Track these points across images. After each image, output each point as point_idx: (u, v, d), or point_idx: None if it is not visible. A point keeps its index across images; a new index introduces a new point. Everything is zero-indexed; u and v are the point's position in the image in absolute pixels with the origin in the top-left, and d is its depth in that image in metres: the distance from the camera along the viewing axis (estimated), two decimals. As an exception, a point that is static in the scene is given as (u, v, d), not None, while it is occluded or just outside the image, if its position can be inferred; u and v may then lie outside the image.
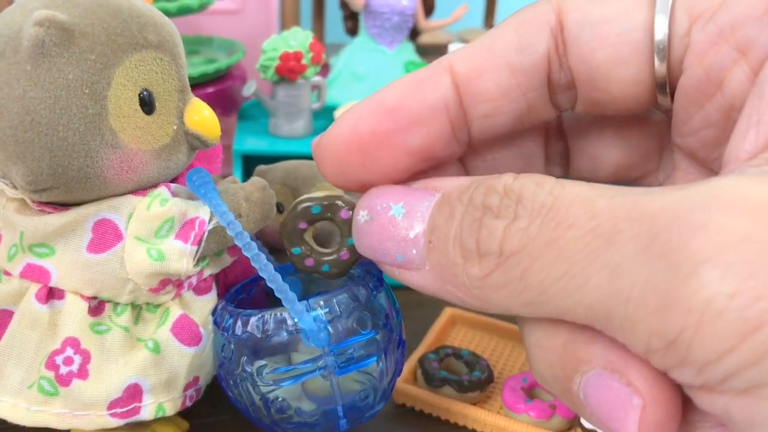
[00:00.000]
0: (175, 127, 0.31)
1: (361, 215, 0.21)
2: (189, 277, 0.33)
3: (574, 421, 0.38)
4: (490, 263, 0.17)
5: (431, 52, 0.70)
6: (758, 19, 0.17)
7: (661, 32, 0.19)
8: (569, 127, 0.24)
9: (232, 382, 0.31)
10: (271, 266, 0.30)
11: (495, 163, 0.24)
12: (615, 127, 0.23)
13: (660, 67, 0.19)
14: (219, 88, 0.56)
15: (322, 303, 0.29)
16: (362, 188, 0.22)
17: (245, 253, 0.30)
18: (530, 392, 0.39)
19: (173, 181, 0.33)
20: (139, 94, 0.30)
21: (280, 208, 0.40)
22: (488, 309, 0.18)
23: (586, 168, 0.24)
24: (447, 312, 0.46)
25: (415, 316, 0.48)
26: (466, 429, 0.38)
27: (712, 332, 0.14)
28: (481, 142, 0.23)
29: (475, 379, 0.39)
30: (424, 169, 0.23)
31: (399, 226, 0.20)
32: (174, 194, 0.32)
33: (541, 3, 0.21)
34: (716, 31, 0.18)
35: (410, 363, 0.41)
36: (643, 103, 0.20)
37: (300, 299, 0.30)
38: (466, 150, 0.23)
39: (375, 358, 0.30)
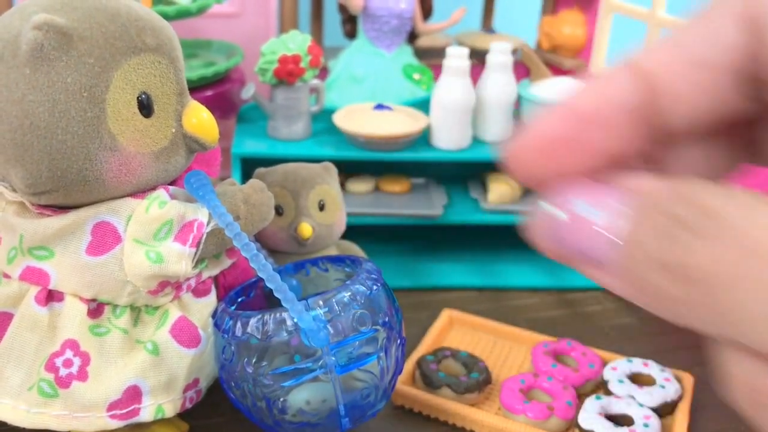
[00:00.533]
0: (174, 130, 0.32)
1: (557, 213, 0.21)
2: (188, 279, 0.33)
3: (572, 422, 0.38)
4: (685, 281, 0.18)
5: (429, 55, 0.70)
6: None
7: None
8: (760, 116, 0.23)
9: (233, 384, 0.31)
10: (270, 267, 0.30)
11: (678, 155, 0.24)
12: None
13: None
14: (218, 91, 0.56)
15: (321, 302, 0.30)
16: (548, 187, 0.23)
17: (244, 254, 0.30)
18: (528, 393, 0.39)
19: (172, 183, 0.33)
20: (138, 98, 0.30)
21: (279, 211, 0.40)
22: (672, 320, 0.18)
23: None
24: (445, 314, 0.46)
25: (413, 317, 0.48)
26: (464, 430, 0.38)
27: None
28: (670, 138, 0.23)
29: (473, 381, 0.39)
30: (612, 167, 0.23)
31: (594, 227, 0.20)
32: (172, 197, 0.32)
33: None
34: None
35: (409, 365, 0.41)
36: None
37: (299, 300, 0.30)
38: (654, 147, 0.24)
39: (375, 357, 0.31)
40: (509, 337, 0.46)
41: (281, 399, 0.30)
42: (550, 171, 0.23)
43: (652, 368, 0.41)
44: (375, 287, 0.31)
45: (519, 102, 0.56)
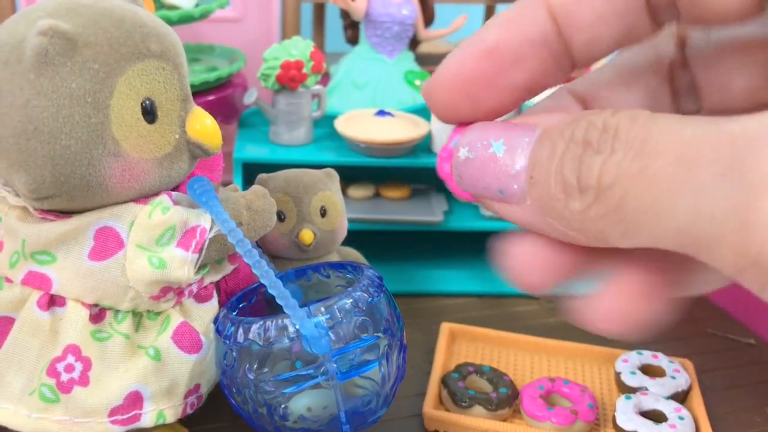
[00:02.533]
0: (177, 136, 0.32)
1: (461, 152, 0.22)
2: (190, 284, 0.33)
3: (593, 425, 0.39)
4: (590, 197, 0.18)
5: (431, 61, 0.70)
6: None
7: None
8: (693, 60, 0.24)
9: (235, 390, 0.31)
10: (272, 273, 0.30)
11: (618, 103, 0.25)
12: (739, 51, 0.23)
13: None
14: (220, 96, 0.57)
15: (323, 309, 0.30)
16: (467, 124, 0.24)
17: (246, 261, 0.31)
18: (548, 399, 0.39)
19: (175, 189, 0.33)
20: (142, 103, 0.30)
21: (281, 217, 0.40)
22: (588, 242, 0.19)
23: (716, 100, 0.24)
24: (445, 329, 0.46)
25: (413, 323, 0.48)
26: None
27: None
28: (603, 82, 0.24)
29: (504, 396, 0.39)
30: (523, 99, 0.24)
31: (500, 161, 0.21)
32: (176, 202, 0.32)
33: None
34: None
35: (433, 385, 0.40)
36: (752, 13, 0.20)
37: (301, 306, 0.30)
38: (586, 95, 0.25)
39: (377, 363, 0.31)
40: (509, 343, 0.46)
41: (282, 405, 0.30)
42: (468, 110, 0.23)
43: (661, 360, 0.43)
44: (377, 294, 0.31)
45: (519, 108, 0.56)
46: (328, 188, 0.41)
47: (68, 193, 0.29)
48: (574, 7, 0.23)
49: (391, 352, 0.31)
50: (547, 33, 0.23)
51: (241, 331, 0.30)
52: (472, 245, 0.58)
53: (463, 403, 0.38)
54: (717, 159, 0.16)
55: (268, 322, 0.30)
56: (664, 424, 0.37)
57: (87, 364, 0.31)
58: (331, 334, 0.29)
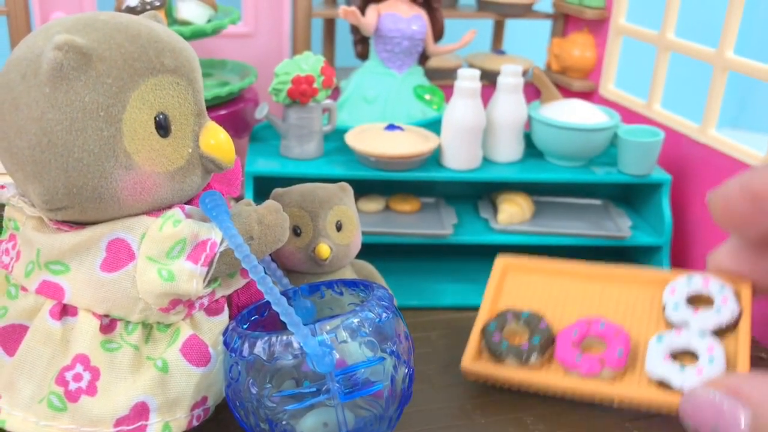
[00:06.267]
0: (191, 150, 0.32)
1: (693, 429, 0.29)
2: (200, 297, 0.33)
3: (624, 369, 0.39)
4: None
5: (440, 76, 0.71)
6: None
7: None
8: None
9: (238, 403, 0.31)
10: (276, 290, 0.30)
11: None
12: None
13: None
14: (231, 111, 0.57)
15: (328, 327, 0.29)
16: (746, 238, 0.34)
17: (252, 276, 0.31)
18: (582, 343, 0.40)
19: (188, 202, 0.33)
20: (155, 118, 0.30)
21: (297, 231, 0.40)
22: None
23: None
24: (498, 264, 0.46)
25: (422, 337, 0.47)
26: (529, 394, 0.40)
27: None
28: None
29: (536, 346, 0.40)
30: None
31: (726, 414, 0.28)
32: (188, 216, 0.32)
33: None
34: None
35: (474, 337, 0.42)
36: None
37: (312, 323, 0.30)
38: None
39: (381, 385, 0.30)
40: (565, 273, 0.45)
41: (284, 422, 0.30)
42: (739, 232, 0.34)
43: (712, 286, 0.40)
44: (385, 314, 0.31)
45: (529, 123, 0.56)
46: (343, 202, 0.41)
47: (81, 205, 0.30)
48: None
49: (397, 374, 0.31)
50: None
51: (247, 345, 0.30)
52: (482, 259, 0.58)
53: (498, 357, 0.41)
54: None
55: (274, 338, 0.30)
56: (690, 367, 0.37)
57: (95, 373, 0.31)
58: (335, 353, 0.29)
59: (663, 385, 0.37)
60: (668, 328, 0.40)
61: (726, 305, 0.39)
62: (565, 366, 0.39)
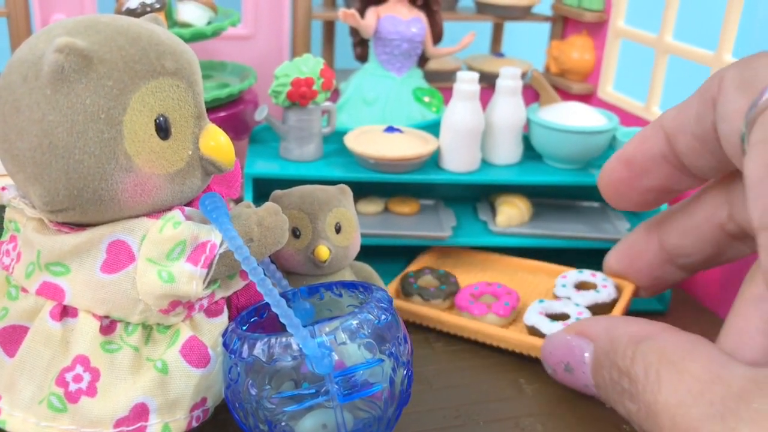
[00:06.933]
0: (190, 152, 0.32)
1: (549, 370, 0.39)
2: (200, 299, 0.33)
3: (508, 319, 0.45)
4: (630, 402, 0.30)
5: (439, 78, 0.71)
6: None
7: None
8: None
9: (237, 405, 0.31)
10: (276, 291, 0.31)
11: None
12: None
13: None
14: (231, 112, 0.57)
15: (327, 329, 0.29)
16: (631, 208, 0.40)
17: (252, 278, 0.31)
18: (479, 298, 0.47)
19: (188, 204, 0.34)
20: (155, 120, 0.30)
21: (296, 233, 0.40)
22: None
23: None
24: (435, 249, 0.54)
25: (420, 338, 0.48)
26: (428, 327, 0.47)
27: None
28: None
29: (441, 291, 0.47)
30: (669, 197, 0.39)
31: (575, 377, 0.35)
32: (188, 217, 0.32)
33: (713, 79, 0.31)
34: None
35: (394, 283, 0.49)
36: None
37: (312, 324, 0.30)
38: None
39: (380, 387, 0.30)
40: (481, 262, 0.53)
41: (283, 423, 0.30)
42: (623, 202, 0.40)
43: (597, 278, 0.47)
44: (384, 316, 0.31)
45: (528, 125, 0.56)
46: (343, 204, 0.41)
47: (81, 207, 0.30)
48: (677, 136, 0.34)
49: (396, 376, 0.31)
50: (665, 152, 0.35)
51: (246, 346, 0.30)
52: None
53: (407, 294, 0.47)
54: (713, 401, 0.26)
55: (273, 340, 0.30)
56: (560, 321, 0.43)
57: (95, 374, 0.31)
58: (334, 355, 0.29)
59: (535, 332, 0.43)
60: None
61: (605, 289, 0.46)
62: (458, 307, 0.46)
